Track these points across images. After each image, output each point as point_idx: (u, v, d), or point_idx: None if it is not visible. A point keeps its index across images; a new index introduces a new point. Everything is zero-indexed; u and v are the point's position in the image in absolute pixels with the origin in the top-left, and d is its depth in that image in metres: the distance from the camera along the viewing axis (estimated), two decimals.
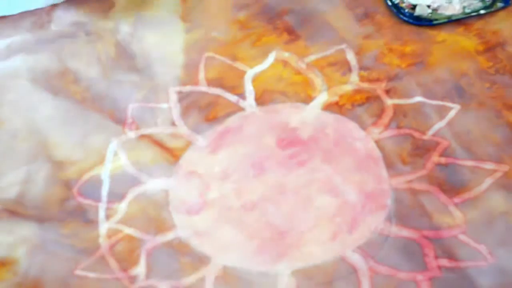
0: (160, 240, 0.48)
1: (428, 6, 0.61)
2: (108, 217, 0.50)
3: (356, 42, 0.59)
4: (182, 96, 0.56)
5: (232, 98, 0.56)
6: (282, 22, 0.61)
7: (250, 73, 0.58)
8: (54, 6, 0.64)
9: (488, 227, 0.47)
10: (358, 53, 0.58)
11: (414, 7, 0.61)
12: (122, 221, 0.49)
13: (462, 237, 0.46)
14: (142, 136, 0.54)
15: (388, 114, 0.54)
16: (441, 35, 0.59)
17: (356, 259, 0.46)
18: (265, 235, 0.48)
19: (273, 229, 0.48)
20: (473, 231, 0.47)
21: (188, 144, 0.53)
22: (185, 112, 0.55)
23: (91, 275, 0.47)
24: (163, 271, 0.47)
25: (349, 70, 0.57)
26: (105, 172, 0.52)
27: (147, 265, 0.47)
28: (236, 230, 0.48)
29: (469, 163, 0.50)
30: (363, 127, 0.53)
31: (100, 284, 0.46)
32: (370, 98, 0.55)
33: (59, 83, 0.58)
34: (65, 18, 0.63)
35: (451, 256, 0.46)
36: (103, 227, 0.49)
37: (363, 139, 0.53)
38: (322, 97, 0.56)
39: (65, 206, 0.50)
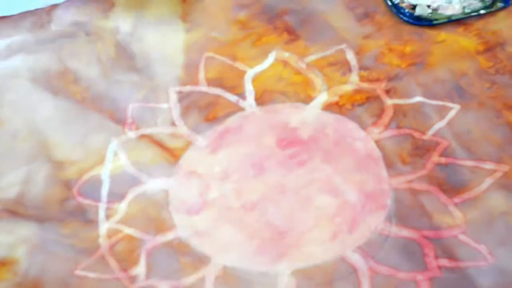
0: (160, 240, 0.48)
1: (428, 6, 0.61)
2: (108, 217, 0.50)
3: (356, 42, 0.59)
4: (182, 96, 0.56)
5: (232, 98, 0.56)
6: (282, 22, 0.61)
7: (250, 73, 0.58)
8: (54, 6, 0.64)
9: (488, 227, 0.47)
10: (358, 53, 0.58)
11: (414, 7, 0.61)
12: (122, 221, 0.49)
13: (462, 237, 0.46)
14: (142, 136, 0.54)
15: (388, 114, 0.54)
16: (441, 35, 0.59)
17: (356, 259, 0.46)
18: (265, 235, 0.48)
19: (273, 229, 0.48)
20: (473, 231, 0.47)
21: (188, 144, 0.53)
22: (185, 112, 0.55)
23: (91, 275, 0.47)
24: (163, 271, 0.47)
25: (349, 70, 0.57)
26: (105, 172, 0.52)
27: (147, 265, 0.47)
28: (236, 230, 0.48)
29: (469, 163, 0.50)
30: (363, 127, 0.53)
31: (100, 284, 0.46)
32: (370, 98, 0.55)
33: (59, 83, 0.58)
34: (65, 18, 0.63)
35: (451, 256, 0.46)
36: (103, 227, 0.49)
37: (363, 139, 0.53)
38: (322, 97, 0.56)
39: (65, 206, 0.50)
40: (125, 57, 0.60)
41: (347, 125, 0.54)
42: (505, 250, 0.46)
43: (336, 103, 0.55)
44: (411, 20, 0.60)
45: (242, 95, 0.56)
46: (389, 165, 0.51)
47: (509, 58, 0.56)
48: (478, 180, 0.49)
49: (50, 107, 0.56)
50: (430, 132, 0.52)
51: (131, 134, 0.54)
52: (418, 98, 0.54)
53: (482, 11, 0.60)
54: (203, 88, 0.57)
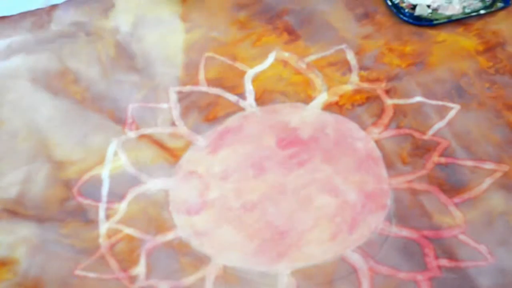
0: (160, 240, 0.48)
1: (428, 6, 0.61)
2: (108, 217, 0.50)
3: (356, 42, 0.59)
4: (182, 96, 0.56)
5: (232, 98, 0.56)
6: (282, 22, 0.61)
7: (250, 73, 0.58)
8: (54, 6, 0.64)
9: (488, 227, 0.47)
10: (358, 53, 0.58)
11: (414, 7, 0.61)
12: (122, 221, 0.49)
13: (462, 237, 0.46)
14: (142, 136, 0.54)
15: (388, 114, 0.54)
16: (441, 35, 0.59)
17: (356, 259, 0.46)
18: (265, 235, 0.48)
19: (273, 229, 0.48)
20: (473, 231, 0.47)
21: (188, 144, 0.53)
22: (185, 112, 0.55)
23: (91, 275, 0.47)
24: (163, 271, 0.47)
25: (349, 70, 0.57)
26: (105, 172, 0.52)
27: (147, 265, 0.47)
28: (236, 230, 0.48)
29: (469, 163, 0.50)
30: (363, 127, 0.53)
31: (100, 284, 0.46)
32: (370, 98, 0.55)
33: (59, 83, 0.58)
34: (65, 18, 0.63)
35: (451, 256, 0.46)
36: (103, 227, 0.49)
37: (363, 139, 0.53)
38: (322, 97, 0.56)
39: (65, 206, 0.50)
40: (125, 57, 0.60)
41: (347, 125, 0.54)
42: (505, 250, 0.46)
43: (336, 103, 0.55)
44: (411, 20, 0.60)
45: (242, 95, 0.56)
46: (389, 165, 0.51)
47: (509, 58, 0.56)
48: (478, 180, 0.49)
49: (50, 107, 0.56)
50: (430, 132, 0.52)
51: (131, 134, 0.54)
52: (418, 98, 0.54)
53: (482, 11, 0.60)
54: (203, 88, 0.57)
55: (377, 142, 0.52)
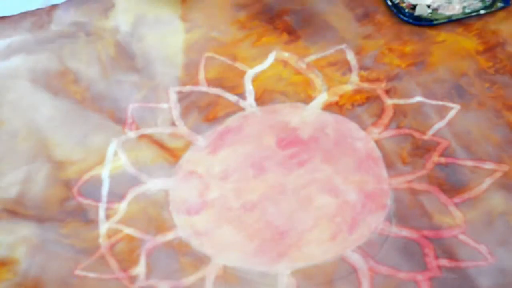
0: (160, 240, 0.48)
1: (428, 6, 0.61)
2: (108, 217, 0.50)
3: (356, 42, 0.59)
4: (182, 96, 0.56)
5: (232, 98, 0.56)
6: (282, 22, 0.61)
7: (250, 73, 0.58)
8: (54, 6, 0.64)
9: (488, 227, 0.47)
10: (358, 53, 0.58)
11: (414, 7, 0.61)
12: (122, 221, 0.49)
13: (462, 237, 0.46)
14: (142, 136, 0.54)
15: (388, 114, 0.54)
16: (441, 35, 0.59)
17: (356, 259, 0.46)
18: (265, 235, 0.48)
19: (273, 229, 0.48)
20: (473, 231, 0.47)
21: (188, 144, 0.53)
22: (185, 112, 0.55)
23: (91, 275, 0.47)
24: (163, 271, 0.47)
25: (349, 70, 0.57)
26: (105, 172, 0.52)
27: (147, 265, 0.47)
28: (236, 230, 0.48)
29: (469, 163, 0.50)
30: (363, 127, 0.53)
31: (100, 284, 0.46)
32: (370, 98, 0.55)
33: (59, 83, 0.58)
34: (65, 18, 0.63)
35: (451, 256, 0.46)
36: (103, 227, 0.49)
37: (363, 139, 0.53)
38: (322, 97, 0.56)
39: (65, 206, 0.50)
40: (125, 57, 0.60)
41: (347, 125, 0.54)
42: (505, 250, 0.46)
43: (336, 103, 0.55)
44: (411, 20, 0.60)
45: (242, 95, 0.56)
46: (389, 165, 0.51)
47: (509, 58, 0.56)
48: (478, 180, 0.49)
49: (50, 107, 0.56)
50: (430, 132, 0.52)
51: (131, 134, 0.54)
52: (418, 98, 0.54)
53: (482, 11, 0.60)
54: (203, 88, 0.57)
55: (377, 142, 0.52)
